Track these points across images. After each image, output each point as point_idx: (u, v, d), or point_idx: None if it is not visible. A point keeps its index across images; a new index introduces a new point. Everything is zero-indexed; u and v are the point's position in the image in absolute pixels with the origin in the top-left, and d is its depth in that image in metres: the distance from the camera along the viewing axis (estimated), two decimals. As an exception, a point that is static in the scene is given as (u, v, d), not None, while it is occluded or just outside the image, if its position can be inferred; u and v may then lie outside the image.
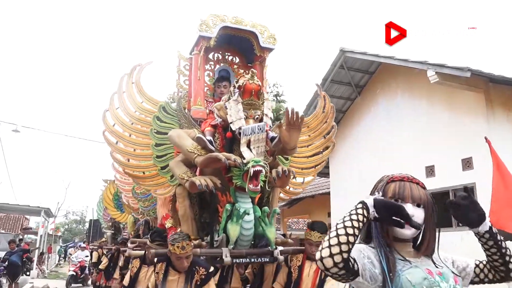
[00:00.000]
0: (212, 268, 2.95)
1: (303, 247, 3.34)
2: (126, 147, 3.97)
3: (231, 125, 3.12)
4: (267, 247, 3.37)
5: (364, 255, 1.45)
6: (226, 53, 4.37)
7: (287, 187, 4.35)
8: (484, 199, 7.12)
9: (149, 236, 4.62)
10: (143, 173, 3.95)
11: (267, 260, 3.24)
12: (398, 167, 8.88)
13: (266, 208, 3.24)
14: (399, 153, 9.05)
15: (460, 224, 7.63)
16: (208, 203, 3.62)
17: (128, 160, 4.08)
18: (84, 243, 19.97)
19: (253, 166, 2.96)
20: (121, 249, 7.32)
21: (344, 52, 9.70)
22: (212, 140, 3.29)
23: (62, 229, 41.55)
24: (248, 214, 3.10)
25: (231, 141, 3.29)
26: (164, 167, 3.79)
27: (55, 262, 26.78)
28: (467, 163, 7.58)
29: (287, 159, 4.17)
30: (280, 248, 3.27)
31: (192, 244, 3.02)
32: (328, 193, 11.48)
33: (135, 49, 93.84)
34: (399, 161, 9.01)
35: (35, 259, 16.73)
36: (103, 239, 11.76)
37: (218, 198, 3.34)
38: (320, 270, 3.19)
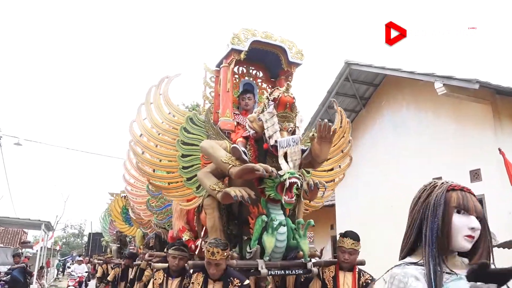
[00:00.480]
0: (247, 281, 2.94)
1: (335, 260, 3.36)
2: (152, 158, 3.98)
3: (268, 139, 3.14)
4: (296, 259, 3.39)
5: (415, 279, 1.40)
6: (250, 67, 4.42)
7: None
8: (493, 210, 7.24)
9: (169, 247, 4.61)
10: (168, 184, 3.97)
11: (301, 272, 3.25)
12: (405, 178, 9.02)
13: (301, 220, 3.26)
14: (405, 165, 9.11)
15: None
16: (234, 215, 3.63)
17: (154, 171, 4.09)
18: (80, 256, 19.66)
19: (289, 178, 2.98)
20: (134, 263, 7.27)
21: (349, 64, 9.80)
22: (245, 151, 3.32)
23: (60, 243, 41.02)
24: (284, 225, 3.11)
25: (264, 153, 3.32)
26: (190, 178, 3.81)
27: (54, 277, 26.31)
28: (475, 175, 7.65)
29: (308, 172, 4.20)
30: (313, 260, 3.28)
31: (225, 253, 3.02)
32: (333, 205, 11.50)
33: (141, 63, 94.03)
34: (406, 173, 9.08)
35: (35, 273, 16.51)
36: (108, 254, 11.63)
37: (249, 209, 3.34)
38: (357, 278, 3.23)
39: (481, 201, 7.44)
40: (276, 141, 3.11)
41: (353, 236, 3.33)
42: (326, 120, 3.32)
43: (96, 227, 39.40)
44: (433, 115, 8.73)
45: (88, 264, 18.82)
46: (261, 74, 4.50)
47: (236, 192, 3.06)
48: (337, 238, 3.45)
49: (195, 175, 3.77)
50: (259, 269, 2.99)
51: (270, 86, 4.51)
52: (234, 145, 3.33)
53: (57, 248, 32.38)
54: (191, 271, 3.10)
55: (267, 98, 3.35)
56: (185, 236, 5.31)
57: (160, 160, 3.91)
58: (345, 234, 3.35)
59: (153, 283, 3.83)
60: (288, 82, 3.38)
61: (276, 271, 3.10)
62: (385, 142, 9.82)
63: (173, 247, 3.89)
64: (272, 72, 4.50)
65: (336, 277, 3.25)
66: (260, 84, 4.48)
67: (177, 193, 3.90)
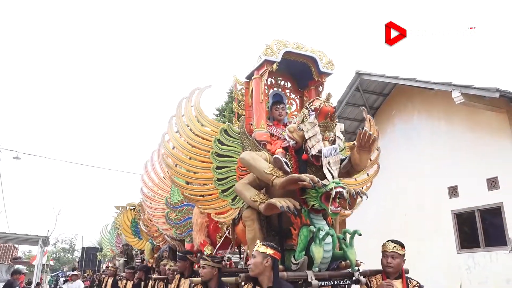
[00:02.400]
0: None
1: (381, 268, 3.33)
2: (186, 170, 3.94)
3: (311, 149, 3.12)
4: (338, 269, 3.35)
5: None
6: (279, 78, 4.41)
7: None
8: (512, 218, 7.21)
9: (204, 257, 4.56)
10: (203, 196, 3.93)
11: (349, 282, 3.21)
12: (420, 188, 8.99)
13: (348, 229, 3.21)
14: (420, 174, 9.10)
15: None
16: (272, 227, 3.59)
17: (188, 184, 4.05)
18: (74, 270, 18.96)
19: (335, 187, 2.96)
20: (153, 276, 7.22)
21: (360, 74, 9.84)
22: (287, 161, 3.29)
23: (50, 258, 40.34)
24: (332, 235, 3.08)
25: (305, 163, 3.29)
26: (225, 190, 3.77)
27: None
28: (492, 183, 7.63)
29: None
30: (360, 269, 3.24)
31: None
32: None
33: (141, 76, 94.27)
34: (420, 182, 9.07)
35: None
36: (112, 267, 11.52)
37: (289, 220, 3.30)
38: (407, 285, 3.19)
39: (499, 209, 7.44)
40: (319, 151, 3.09)
41: (396, 241, 3.34)
42: (366, 129, 3.31)
43: (88, 241, 38.96)
44: (446, 124, 8.74)
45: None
46: (289, 85, 4.50)
47: (282, 202, 3.02)
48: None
49: (230, 187, 3.74)
50: (309, 280, 2.94)
51: (298, 97, 4.51)
52: (276, 155, 3.30)
53: (50, 263, 31.76)
54: (243, 283, 3.06)
55: (307, 108, 3.33)
56: (207, 250, 5.27)
57: (195, 173, 3.87)
58: (388, 240, 3.36)
59: None
60: (329, 92, 3.35)
61: (325, 282, 3.05)
62: (397, 151, 9.80)
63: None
64: (299, 83, 4.50)
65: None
66: (288, 94, 4.47)
67: (212, 205, 3.85)
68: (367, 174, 4.69)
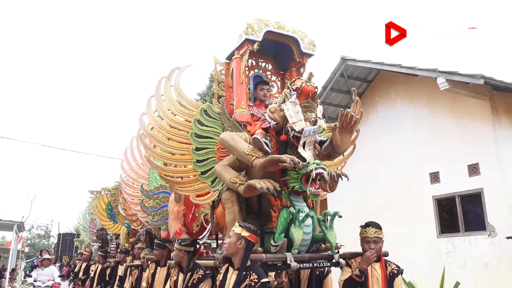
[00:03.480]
0: (266, 279, 2.82)
1: (360, 251, 3.31)
2: (164, 152, 3.83)
3: (293, 125, 3.05)
4: (318, 251, 3.31)
5: None
6: (259, 60, 4.31)
7: None
8: (492, 204, 7.31)
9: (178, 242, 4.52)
10: (181, 178, 3.83)
11: (329, 264, 3.18)
12: (401, 173, 9.04)
13: (328, 211, 3.17)
14: (402, 160, 9.14)
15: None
16: (252, 209, 3.52)
17: (166, 165, 3.95)
18: (48, 254, 17.50)
19: (315, 169, 2.89)
20: (127, 263, 7.16)
21: (345, 60, 9.78)
22: (267, 142, 3.21)
23: (25, 244, 39.59)
24: (312, 217, 3.03)
25: (285, 144, 3.22)
26: (204, 172, 3.68)
27: (21, 279, 25.01)
28: (473, 169, 7.70)
29: None
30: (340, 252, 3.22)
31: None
32: (325, 199, 11.44)
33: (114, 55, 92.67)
34: (402, 168, 9.12)
35: (7, 275, 16.02)
36: (86, 253, 11.38)
37: (269, 202, 3.24)
38: (385, 267, 3.19)
39: (479, 195, 7.53)
40: (302, 129, 3.02)
41: (375, 224, 3.33)
42: (348, 110, 3.25)
43: (65, 227, 38.47)
44: (429, 111, 8.77)
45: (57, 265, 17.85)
46: (270, 67, 4.40)
47: (261, 184, 2.95)
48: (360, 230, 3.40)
49: (210, 169, 3.65)
50: (288, 262, 2.89)
51: (279, 79, 4.42)
52: (255, 136, 3.21)
53: (24, 250, 31.26)
54: (221, 264, 3.03)
55: (289, 87, 3.25)
56: None
57: (173, 154, 3.77)
58: (366, 224, 3.34)
59: (170, 279, 3.74)
60: (311, 71, 3.26)
61: (304, 264, 3.01)
62: (379, 137, 9.82)
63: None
64: (280, 65, 4.40)
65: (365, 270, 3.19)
66: (269, 76, 4.37)
67: (191, 187, 3.76)
68: (343, 154, 4.66)
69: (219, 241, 5.45)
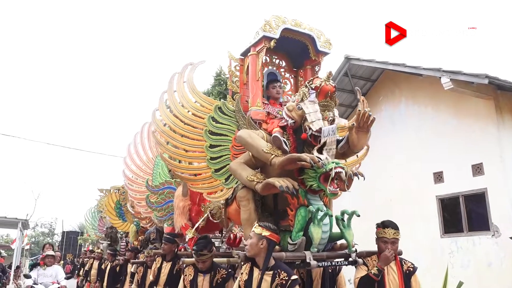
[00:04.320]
0: (295, 276, 2.81)
1: (375, 250, 3.31)
2: (178, 148, 3.81)
3: (311, 125, 3.03)
4: (334, 250, 3.31)
5: None
6: (274, 56, 4.28)
7: None
8: (496, 204, 7.33)
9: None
10: (195, 175, 3.81)
11: (346, 263, 3.17)
12: (405, 173, 9.05)
13: (346, 209, 3.16)
14: (405, 159, 9.15)
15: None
16: (268, 207, 3.51)
17: (179, 162, 3.93)
18: (45, 248, 17.39)
19: (334, 168, 2.89)
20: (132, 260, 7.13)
21: (349, 59, 9.77)
22: (285, 140, 3.20)
23: (29, 242, 39.43)
24: (331, 216, 3.02)
25: (302, 143, 3.21)
26: (218, 169, 3.66)
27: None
28: (477, 169, 7.72)
29: None
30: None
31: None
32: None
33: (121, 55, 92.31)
34: (406, 167, 9.12)
35: (12, 273, 15.95)
36: (99, 250, 11.35)
37: (285, 201, 3.22)
38: (401, 266, 3.20)
39: (483, 195, 7.54)
40: (320, 129, 3.01)
41: (394, 225, 3.33)
42: (366, 109, 3.24)
43: (69, 225, 38.36)
44: (433, 111, 8.78)
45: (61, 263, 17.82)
46: (283, 64, 4.37)
47: (281, 182, 2.94)
48: (376, 227, 3.40)
49: (224, 166, 3.63)
50: (308, 260, 2.88)
51: (292, 76, 4.40)
52: (275, 134, 3.20)
53: (27, 247, 31.29)
54: (242, 263, 3.01)
55: (307, 86, 3.24)
56: (189, 234, 5.17)
57: (186, 151, 3.74)
58: (384, 225, 3.33)
59: (184, 279, 3.70)
60: (330, 71, 3.25)
61: (323, 263, 3.00)
62: (383, 137, 9.81)
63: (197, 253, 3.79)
64: (294, 62, 4.38)
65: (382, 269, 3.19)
66: (283, 73, 4.35)
67: (204, 185, 3.74)
68: (357, 155, 4.66)
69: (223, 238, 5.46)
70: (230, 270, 3.80)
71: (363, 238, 3.52)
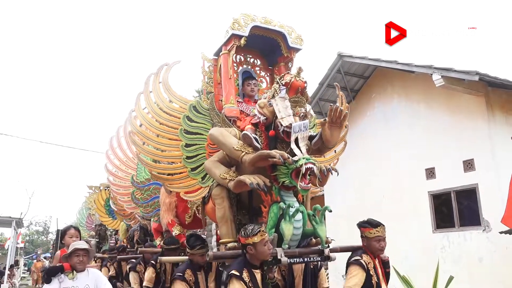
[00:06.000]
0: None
1: (356, 246, 3.35)
2: (154, 148, 3.83)
3: (281, 120, 3.05)
4: (308, 246, 3.32)
5: None
6: (248, 55, 4.30)
7: None
8: (487, 199, 7.31)
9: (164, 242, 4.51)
10: (172, 175, 3.82)
11: (319, 259, 3.18)
12: (397, 169, 9.04)
13: (318, 205, 3.17)
14: (398, 156, 9.13)
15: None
16: (243, 204, 3.53)
17: (156, 162, 3.94)
18: (48, 252, 17.61)
19: (305, 164, 2.90)
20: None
21: (342, 56, 9.75)
22: (257, 137, 3.21)
23: (23, 240, 39.32)
24: (302, 212, 3.03)
25: (274, 139, 3.22)
26: (194, 168, 3.67)
27: (20, 276, 24.81)
28: (468, 165, 7.69)
29: None
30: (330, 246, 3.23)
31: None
32: (322, 196, 11.44)
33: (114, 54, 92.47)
34: (398, 164, 9.11)
35: (6, 272, 16.03)
36: None
37: (260, 198, 3.24)
38: (382, 263, 3.27)
39: (474, 190, 7.52)
40: (290, 125, 3.02)
41: (380, 222, 3.36)
42: (337, 105, 3.25)
43: (63, 223, 38.33)
44: (425, 107, 8.76)
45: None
46: (258, 62, 4.39)
47: (251, 179, 2.95)
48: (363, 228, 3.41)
49: (200, 165, 3.65)
50: (279, 257, 2.90)
51: (268, 74, 4.41)
52: (245, 131, 3.21)
53: (21, 245, 31.24)
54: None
55: (278, 82, 3.25)
56: (176, 231, 5.17)
57: (162, 151, 3.76)
58: (374, 224, 3.32)
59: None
60: (300, 66, 3.26)
61: (295, 259, 3.02)
62: (376, 133, 9.82)
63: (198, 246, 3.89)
64: (268, 60, 4.39)
65: (375, 267, 3.24)
66: (258, 72, 4.37)
67: (181, 184, 3.75)
68: (335, 151, 4.66)
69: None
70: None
71: (357, 234, 3.51)
